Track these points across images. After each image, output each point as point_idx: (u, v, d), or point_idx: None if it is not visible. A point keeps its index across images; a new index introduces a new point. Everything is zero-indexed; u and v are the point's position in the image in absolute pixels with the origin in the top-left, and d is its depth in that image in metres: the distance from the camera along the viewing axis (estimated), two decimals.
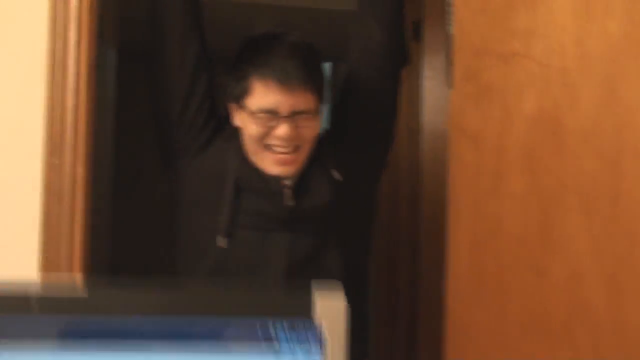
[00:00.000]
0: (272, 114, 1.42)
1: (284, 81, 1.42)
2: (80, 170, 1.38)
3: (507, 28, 1.39)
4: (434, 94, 2.17)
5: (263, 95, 1.43)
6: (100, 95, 1.66)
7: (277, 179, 1.47)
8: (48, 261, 1.36)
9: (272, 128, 1.43)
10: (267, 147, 1.45)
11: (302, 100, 1.44)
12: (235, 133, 1.50)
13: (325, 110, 1.58)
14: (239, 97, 1.47)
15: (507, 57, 1.40)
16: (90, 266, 1.45)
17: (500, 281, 1.37)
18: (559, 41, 1.27)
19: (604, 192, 1.25)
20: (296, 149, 1.45)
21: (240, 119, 1.48)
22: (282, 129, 1.42)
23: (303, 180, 1.49)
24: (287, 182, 1.47)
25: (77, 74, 1.38)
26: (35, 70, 1.37)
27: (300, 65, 1.45)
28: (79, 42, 1.39)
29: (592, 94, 1.21)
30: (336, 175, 1.51)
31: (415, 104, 2.33)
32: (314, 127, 1.48)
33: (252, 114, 1.44)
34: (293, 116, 1.43)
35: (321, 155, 1.52)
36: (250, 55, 1.48)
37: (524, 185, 1.35)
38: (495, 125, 1.43)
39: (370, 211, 1.63)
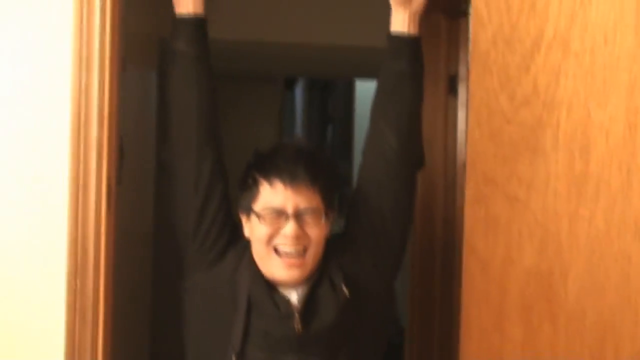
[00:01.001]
0: (279, 213, 1.47)
1: (289, 181, 1.47)
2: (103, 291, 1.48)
3: (513, 171, 1.37)
4: None
5: (270, 196, 1.48)
6: None
7: (286, 301, 1.49)
8: None
9: (279, 228, 1.47)
10: (275, 250, 1.48)
11: (308, 199, 1.48)
12: (247, 247, 1.54)
13: (334, 217, 1.58)
14: (249, 204, 1.52)
15: (511, 199, 1.39)
16: None
17: None
18: (552, 206, 1.25)
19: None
20: (303, 251, 1.48)
21: (249, 227, 1.53)
22: (289, 227, 1.46)
23: (312, 299, 1.50)
24: (295, 303, 1.49)
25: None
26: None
27: (305, 166, 1.49)
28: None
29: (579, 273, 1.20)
30: (345, 291, 1.52)
31: (452, 158, 2.34)
32: (320, 227, 1.50)
33: (260, 215, 1.48)
34: (299, 215, 1.47)
35: (330, 270, 1.54)
36: (258, 164, 1.53)
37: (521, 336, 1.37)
38: (498, 261, 1.44)
39: (381, 326, 1.62)
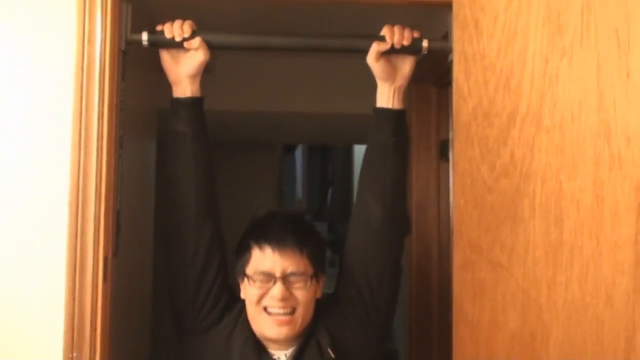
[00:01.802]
0: (268, 276, 1.55)
1: (277, 246, 1.56)
2: None
3: (496, 238, 1.42)
4: None
5: (260, 260, 1.57)
6: None
7: None
8: None
9: (268, 289, 1.55)
10: (265, 310, 1.55)
11: (295, 263, 1.56)
12: (243, 311, 1.61)
13: (324, 281, 1.67)
14: (243, 267, 1.60)
15: (495, 265, 1.43)
16: None
17: None
18: (532, 271, 1.29)
19: None
20: (292, 311, 1.56)
21: (243, 289, 1.61)
22: (276, 289, 1.54)
23: (298, 358, 1.57)
24: None
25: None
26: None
27: (293, 233, 1.58)
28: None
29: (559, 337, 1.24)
30: (331, 354, 1.58)
31: (446, 222, 2.39)
32: (307, 290, 1.57)
33: (251, 278, 1.56)
34: (286, 278, 1.55)
35: (318, 332, 1.60)
36: (251, 231, 1.62)
37: None
38: (485, 324, 1.47)
39: None
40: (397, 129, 1.66)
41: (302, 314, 1.57)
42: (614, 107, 0.98)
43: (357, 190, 1.71)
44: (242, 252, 1.62)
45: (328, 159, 7.03)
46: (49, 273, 1.45)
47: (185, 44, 1.60)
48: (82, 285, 1.46)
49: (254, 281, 1.56)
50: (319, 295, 1.64)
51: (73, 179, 1.42)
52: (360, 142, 4.60)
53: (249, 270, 1.58)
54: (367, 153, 1.69)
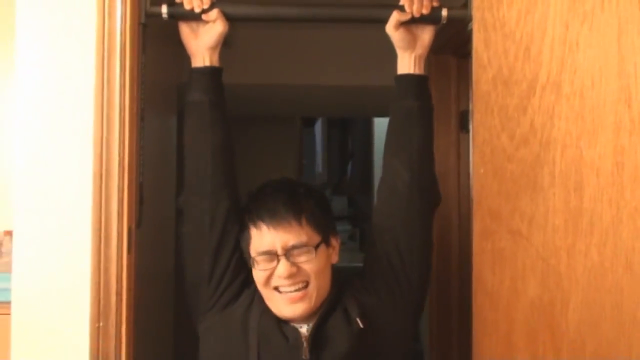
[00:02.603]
0: (270, 255, 1.48)
1: (272, 220, 1.48)
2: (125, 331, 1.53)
3: (516, 206, 1.42)
4: None
5: (258, 239, 1.51)
6: None
7: (295, 331, 1.50)
8: None
9: (273, 269, 1.48)
10: (277, 290, 1.49)
11: (295, 235, 1.48)
12: None
13: (338, 244, 1.60)
14: (247, 249, 1.54)
15: (515, 234, 1.44)
16: None
17: None
18: (552, 240, 1.29)
19: None
20: (305, 285, 1.49)
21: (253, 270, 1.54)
22: (281, 268, 1.47)
23: (322, 329, 1.50)
24: (305, 333, 1.49)
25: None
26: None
27: (286, 201, 1.50)
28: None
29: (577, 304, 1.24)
30: (359, 323, 1.51)
31: (466, 193, 2.39)
32: (314, 261, 1.49)
33: (254, 259, 1.50)
34: (289, 252, 1.47)
35: (346, 302, 1.54)
36: (247, 208, 1.56)
37: None
38: (504, 292, 1.48)
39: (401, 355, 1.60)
40: (420, 94, 1.64)
41: (317, 286, 1.49)
42: (634, 72, 0.97)
43: (383, 157, 1.66)
44: (242, 233, 1.55)
45: (348, 132, 7.03)
46: (75, 244, 1.48)
47: (204, 16, 1.60)
48: (107, 256, 1.49)
49: (257, 263, 1.49)
50: (335, 260, 1.58)
51: (96, 151, 1.44)
52: (381, 115, 4.60)
53: (252, 251, 1.52)
54: (392, 119, 1.66)
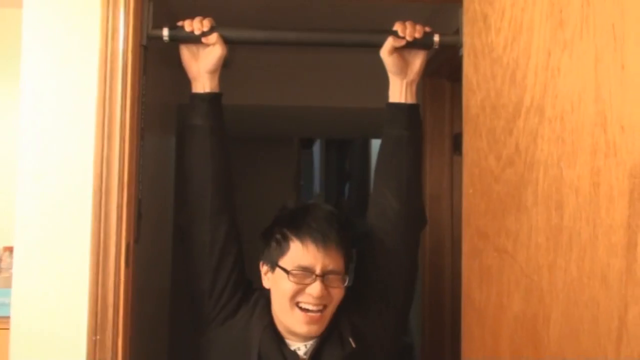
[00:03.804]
0: (308, 272, 1.53)
1: (322, 242, 1.54)
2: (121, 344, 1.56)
3: (502, 225, 1.47)
4: None
5: (301, 254, 1.55)
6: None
7: (294, 355, 1.55)
8: None
9: (305, 286, 1.53)
10: (298, 306, 1.54)
11: (334, 261, 1.56)
12: (259, 301, 1.61)
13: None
14: (275, 258, 1.57)
15: (501, 252, 1.48)
16: None
17: None
18: (535, 256, 1.34)
19: None
20: (324, 308, 1.54)
21: (272, 280, 1.59)
22: (315, 287, 1.52)
23: (319, 352, 1.56)
24: (303, 356, 1.55)
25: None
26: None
27: (337, 230, 1.56)
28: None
29: (558, 318, 1.28)
30: (352, 343, 1.57)
31: (458, 213, 2.43)
32: (341, 288, 1.57)
33: (289, 272, 1.54)
34: (325, 275, 1.53)
35: (340, 325, 1.60)
36: (288, 220, 1.59)
37: None
38: (491, 309, 1.52)
39: None
40: (410, 123, 1.69)
41: (331, 312, 1.56)
42: (609, 98, 1.02)
43: (373, 181, 1.72)
44: (277, 242, 1.59)
45: (346, 153, 7.08)
46: (74, 258, 1.52)
47: (203, 39, 1.65)
48: (105, 270, 1.53)
49: (292, 276, 1.53)
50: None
51: (96, 169, 1.49)
52: (378, 137, 4.64)
53: (286, 263, 1.55)
54: (382, 147, 1.71)
